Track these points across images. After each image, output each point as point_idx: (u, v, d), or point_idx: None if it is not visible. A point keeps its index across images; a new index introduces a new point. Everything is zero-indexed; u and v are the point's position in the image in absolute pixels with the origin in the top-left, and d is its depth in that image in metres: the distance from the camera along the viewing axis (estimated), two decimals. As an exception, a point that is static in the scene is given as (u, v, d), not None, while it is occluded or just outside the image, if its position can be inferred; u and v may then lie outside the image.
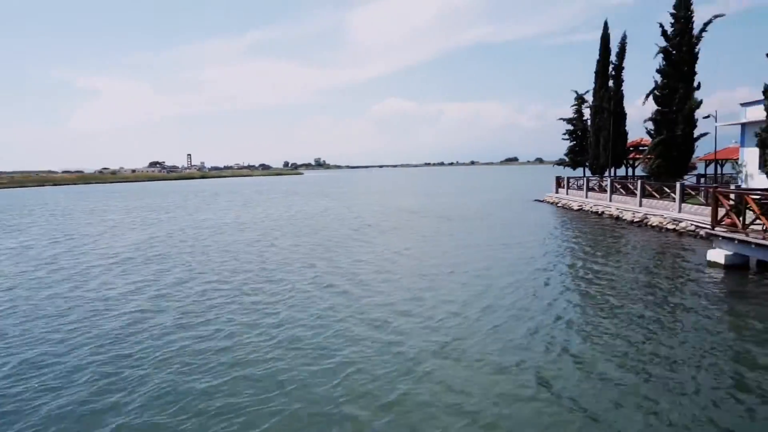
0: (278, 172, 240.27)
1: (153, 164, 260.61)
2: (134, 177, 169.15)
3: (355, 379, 8.02)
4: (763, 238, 13.63)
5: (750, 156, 25.81)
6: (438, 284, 14.21)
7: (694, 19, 29.82)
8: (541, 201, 41.66)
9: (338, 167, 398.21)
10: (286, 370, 8.38)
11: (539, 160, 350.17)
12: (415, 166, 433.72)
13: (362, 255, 19.12)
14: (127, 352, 9.41)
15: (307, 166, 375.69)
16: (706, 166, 40.63)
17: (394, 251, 19.82)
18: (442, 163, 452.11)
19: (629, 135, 38.79)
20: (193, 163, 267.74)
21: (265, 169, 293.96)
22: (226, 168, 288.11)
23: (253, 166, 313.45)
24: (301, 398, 7.42)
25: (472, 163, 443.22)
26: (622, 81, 38.08)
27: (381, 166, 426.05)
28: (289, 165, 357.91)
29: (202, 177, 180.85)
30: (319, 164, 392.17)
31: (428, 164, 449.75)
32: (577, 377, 7.93)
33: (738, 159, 28.63)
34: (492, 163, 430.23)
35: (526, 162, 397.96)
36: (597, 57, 39.58)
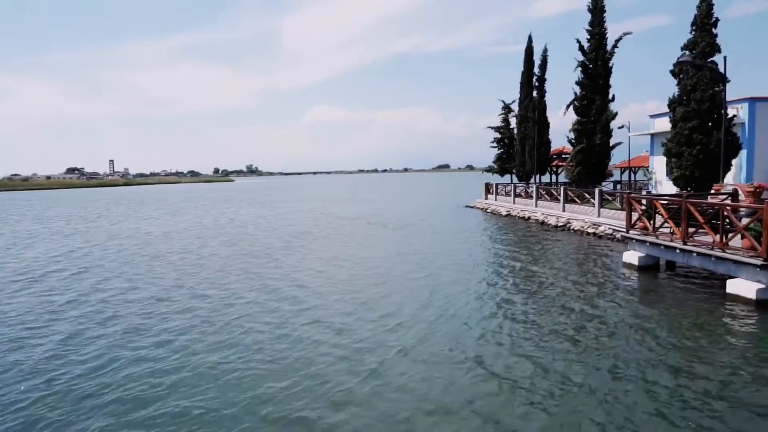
0: (208, 179, 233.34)
1: (71, 170, 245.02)
2: (49, 184, 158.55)
3: (307, 382, 8.06)
4: (671, 240, 14.70)
5: (658, 164, 27.82)
6: (376, 289, 14.32)
7: (607, 35, 31.87)
8: (472, 207, 42.87)
9: (271, 174, 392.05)
10: (236, 376, 8.17)
11: (470, 167, 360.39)
12: (350, 173, 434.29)
13: (301, 262, 18.95)
14: (54, 376, 8.81)
15: (239, 173, 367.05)
16: (621, 173, 43.31)
17: (333, 257, 19.79)
18: (375, 170, 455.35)
19: (552, 143, 40.80)
20: (116, 170, 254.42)
21: (194, 176, 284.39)
22: (153, 175, 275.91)
23: (182, 173, 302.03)
24: (255, 400, 7.27)
25: (406, 170, 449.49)
26: (545, 92, 40.02)
27: (315, 173, 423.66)
28: (220, 172, 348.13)
29: (126, 184, 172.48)
30: (252, 171, 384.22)
31: (362, 171, 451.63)
32: (513, 368, 8.23)
33: (648, 167, 30.81)
34: (424, 170, 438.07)
35: (457, 169, 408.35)
36: (522, 69, 41.41)
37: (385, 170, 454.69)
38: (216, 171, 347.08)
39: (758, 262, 11.58)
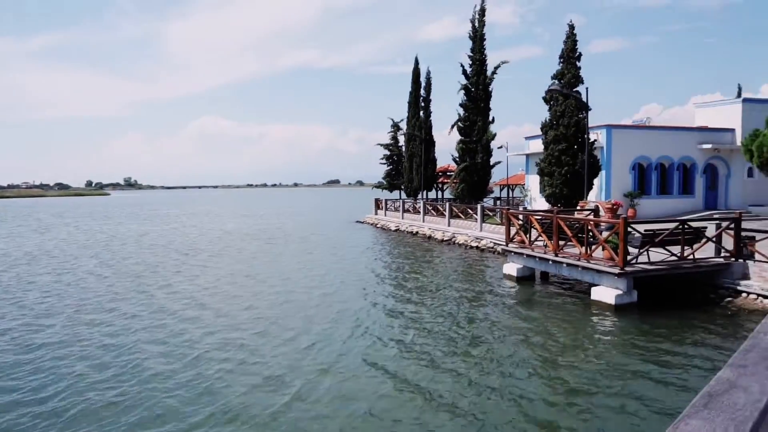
0: (79, 193, 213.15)
1: None
2: None
3: (228, 411, 7.60)
4: (545, 253, 15.97)
5: (533, 182, 30.18)
6: (283, 307, 13.97)
7: (487, 62, 34.17)
8: (362, 222, 43.43)
9: (152, 188, 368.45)
10: (143, 414, 7.45)
11: (360, 183, 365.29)
12: (237, 187, 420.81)
13: (199, 281, 17.98)
14: None
15: (116, 186, 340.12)
16: (501, 190, 46.31)
17: (232, 275, 19.07)
18: (265, 185, 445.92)
19: (438, 161, 42.65)
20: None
21: (63, 188, 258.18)
22: (11, 187, 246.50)
23: (48, 185, 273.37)
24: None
25: (296, 185, 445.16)
26: (431, 112, 41.85)
27: (200, 187, 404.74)
28: (93, 185, 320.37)
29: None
30: (130, 184, 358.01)
31: (251, 185, 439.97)
32: (420, 376, 8.42)
33: (524, 184, 33.30)
34: (315, 185, 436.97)
35: (347, 184, 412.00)
36: (410, 89, 43.01)
37: (274, 185, 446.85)
38: (89, 184, 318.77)
39: (616, 270, 12.94)
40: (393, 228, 36.25)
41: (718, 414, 1.46)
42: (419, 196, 41.15)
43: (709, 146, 27.08)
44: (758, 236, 14.10)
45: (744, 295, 13.14)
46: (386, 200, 42.39)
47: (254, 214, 60.77)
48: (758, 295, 12.83)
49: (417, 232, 32.43)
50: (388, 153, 48.08)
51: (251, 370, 9.33)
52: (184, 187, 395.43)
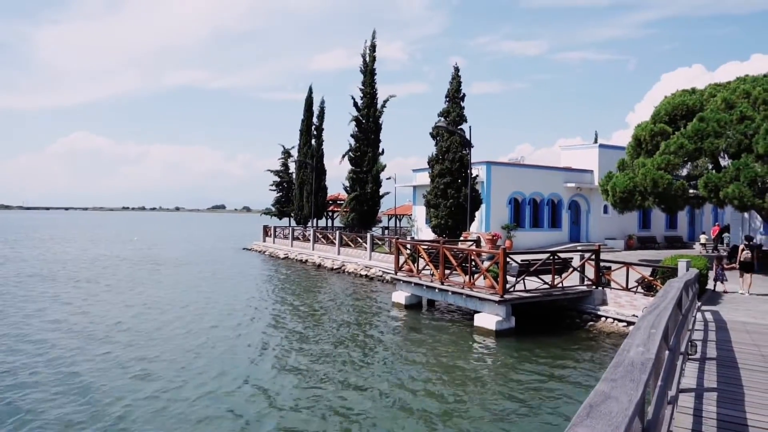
0: None
1: None
2: None
3: None
4: (431, 281, 16.65)
5: (419, 213, 31.45)
6: (179, 341, 12.99)
7: (377, 95, 35.44)
8: (249, 249, 42.22)
9: (7, 208, 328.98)
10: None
11: (247, 209, 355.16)
12: (112, 210, 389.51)
13: (69, 308, 16.15)
14: None
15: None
16: (389, 219, 47.61)
17: (115, 305, 17.36)
18: (143, 208, 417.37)
19: (329, 189, 42.97)
20: None
21: None
22: None
23: None
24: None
25: (177, 209, 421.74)
26: (323, 140, 42.26)
27: (67, 209, 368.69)
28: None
29: None
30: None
31: (127, 208, 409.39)
32: (291, 400, 8.26)
33: (411, 215, 34.55)
34: (198, 210, 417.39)
35: (233, 210, 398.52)
36: (302, 116, 43.15)
37: (154, 208, 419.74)
38: None
39: (496, 298, 13.85)
40: (282, 256, 35.65)
41: (598, 422, 1.73)
42: (309, 224, 41.00)
43: (572, 185, 30.13)
44: (613, 266, 15.90)
45: (603, 319, 14.67)
46: (275, 227, 41.67)
47: (131, 240, 56.50)
48: (614, 318, 14.40)
49: (306, 261, 32.17)
50: (278, 179, 47.53)
51: (139, 403, 8.65)
52: (47, 208, 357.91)
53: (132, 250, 42.19)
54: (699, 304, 13.01)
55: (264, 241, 42.37)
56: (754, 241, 25.89)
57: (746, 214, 25.88)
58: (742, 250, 15.80)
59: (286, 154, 47.68)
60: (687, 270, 12.72)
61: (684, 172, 22.32)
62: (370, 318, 16.44)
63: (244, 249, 42.79)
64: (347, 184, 35.45)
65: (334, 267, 28.55)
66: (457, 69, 24.97)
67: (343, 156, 36.20)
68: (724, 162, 20.67)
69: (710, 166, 21.21)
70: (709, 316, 11.81)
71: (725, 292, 15.46)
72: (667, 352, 4.20)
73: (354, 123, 35.04)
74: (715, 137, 19.39)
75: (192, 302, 18.63)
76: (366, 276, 25.63)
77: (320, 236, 33.83)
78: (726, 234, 29.34)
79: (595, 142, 33.70)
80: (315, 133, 42.25)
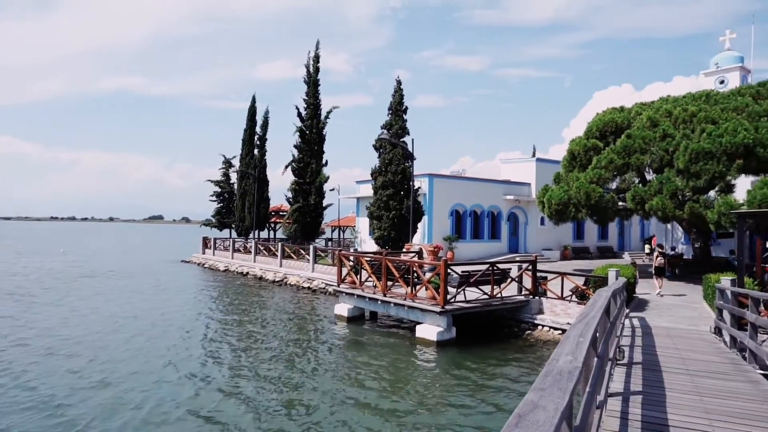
0: None
1: None
2: None
3: None
4: (374, 293, 16.66)
5: (363, 224, 31.50)
6: (81, 353, 12.25)
7: (321, 106, 35.37)
8: (188, 261, 40.87)
9: None
10: None
11: (186, 220, 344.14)
12: (39, 219, 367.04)
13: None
14: None
15: None
16: (333, 231, 47.35)
17: (41, 319, 16.22)
18: (73, 218, 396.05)
19: (272, 200, 42.29)
20: None
21: None
22: None
23: None
24: None
25: (111, 219, 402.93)
26: (266, 150, 41.65)
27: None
28: None
29: None
30: None
31: (56, 218, 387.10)
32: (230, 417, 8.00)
33: (355, 226, 34.55)
34: (134, 221, 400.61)
35: (172, 221, 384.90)
36: (245, 126, 42.40)
37: (85, 218, 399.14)
38: None
39: (437, 309, 14.02)
40: (222, 268, 34.71)
41: (526, 431, 1.77)
42: (251, 236, 40.17)
43: (511, 197, 31.07)
44: (549, 276, 16.48)
45: (540, 327, 15.15)
46: (215, 239, 40.56)
47: (59, 252, 53.35)
48: (549, 327, 14.90)
49: (247, 273, 31.47)
50: (219, 190, 46.36)
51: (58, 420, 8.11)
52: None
53: (63, 262, 39.85)
54: (627, 311, 13.69)
55: (203, 253, 41.13)
56: (676, 250, 27.54)
57: (669, 225, 27.54)
58: (657, 257, 17.82)
59: (228, 164, 46.63)
60: (616, 279, 13.37)
61: (614, 185, 23.53)
62: (312, 331, 16.25)
63: (182, 261, 41.36)
64: (290, 195, 35.06)
65: (276, 279, 28.07)
66: (399, 82, 25.31)
67: (286, 167, 35.81)
68: (649, 176, 21.96)
69: (637, 180, 22.46)
70: (636, 322, 12.44)
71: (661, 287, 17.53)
72: (595, 359, 4.38)
73: (298, 134, 34.77)
74: (641, 153, 20.57)
75: (123, 317, 17.79)
76: (309, 288, 25.34)
77: (262, 248, 33.20)
78: (647, 245, 31.12)
79: (533, 156, 35.01)
80: (258, 143, 41.60)
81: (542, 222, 31.60)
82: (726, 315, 10.36)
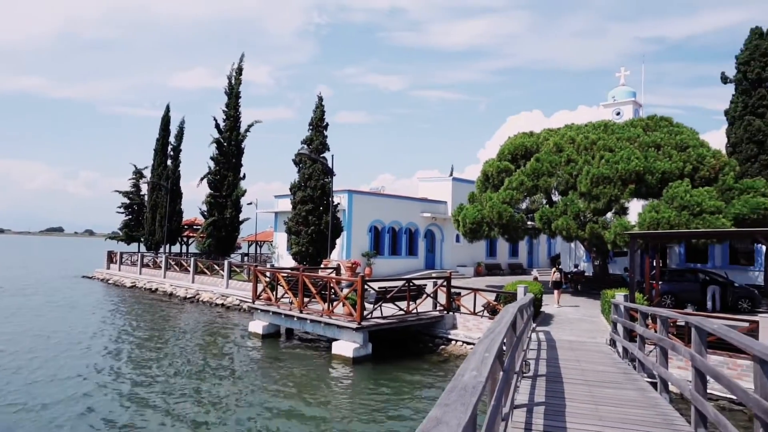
0: None
1: None
2: None
3: None
4: (290, 309, 16.40)
5: (281, 240, 31.00)
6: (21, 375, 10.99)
7: (241, 119, 34.67)
8: (90, 277, 38.16)
9: None
10: None
11: (89, 232, 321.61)
12: None
13: None
14: None
15: None
16: (249, 246, 46.24)
17: None
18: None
19: (185, 213, 40.64)
20: None
21: None
22: None
23: None
24: None
25: (2, 231, 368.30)
26: (180, 162, 40.05)
27: None
28: None
29: None
30: None
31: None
32: None
33: (272, 241, 33.92)
34: (29, 233, 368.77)
35: (73, 233, 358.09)
36: (158, 135, 40.60)
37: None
38: None
39: (354, 325, 14.04)
40: (129, 284, 32.72)
41: (427, 447, 1.83)
42: (161, 250, 38.27)
43: (428, 215, 31.88)
44: (463, 292, 17.03)
45: (453, 342, 15.56)
46: (121, 253, 38.21)
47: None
48: (462, 341, 15.36)
49: (156, 289, 29.89)
50: (127, 201, 43.92)
51: None
52: None
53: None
54: (534, 325, 14.42)
55: (108, 268, 38.54)
56: (578, 267, 29.41)
57: (572, 244, 29.40)
58: (554, 272, 20.17)
59: (139, 174, 44.35)
60: (524, 295, 14.06)
61: (524, 205, 24.82)
62: (225, 349, 15.69)
63: (83, 277, 38.53)
64: (205, 208, 33.87)
65: (188, 296, 26.89)
66: (321, 99, 25.38)
67: (202, 179, 34.60)
68: (556, 198, 23.41)
69: (545, 201, 23.84)
70: (542, 336, 13.12)
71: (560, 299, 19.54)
72: (501, 373, 4.58)
73: (215, 145, 33.80)
74: (549, 176, 21.91)
75: (12, 339, 16.26)
76: (222, 305, 24.49)
77: (173, 263, 31.68)
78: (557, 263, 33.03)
79: (451, 175, 36.17)
80: (172, 153, 39.95)
81: (457, 239, 32.63)
82: (620, 328, 11.20)
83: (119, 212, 43.89)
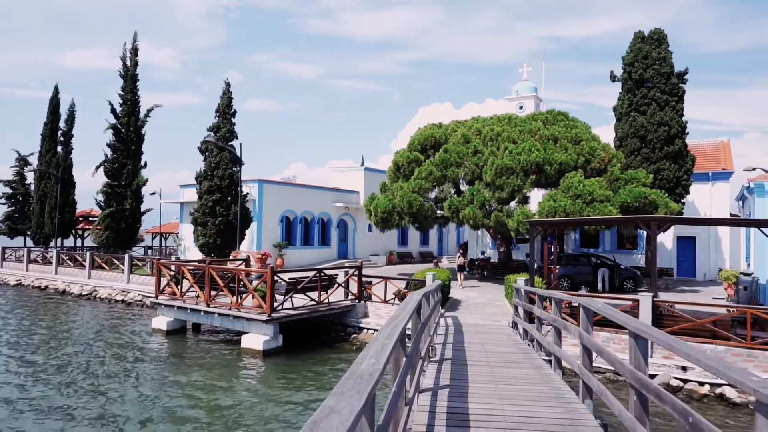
0: None
1: None
2: None
3: None
4: (196, 304, 15.76)
5: (187, 231, 29.66)
6: None
7: (140, 103, 32.61)
8: (-33, 276, 34.39)
9: None
10: None
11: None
12: None
13: None
14: None
15: None
16: (153, 238, 43.84)
17: None
18: None
19: (79, 204, 37.71)
20: None
21: None
22: None
23: None
24: None
25: None
26: (72, 148, 37.04)
27: None
28: None
29: None
30: None
31: None
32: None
33: (178, 233, 32.39)
34: None
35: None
36: (45, 119, 37.24)
37: None
38: None
39: (264, 317, 13.77)
40: (13, 282, 29.89)
41: (318, 436, 1.81)
42: (52, 244, 35.28)
43: (341, 204, 31.86)
44: (374, 281, 17.22)
45: (365, 330, 15.73)
46: (4, 248, 34.75)
47: None
48: (374, 330, 15.56)
49: (47, 287, 27.56)
50: (10, 191, 39.99)
51: None
52: None
53: None
54: (442, 311, 14.90)
55: (-12, 265, 34.94)
56: (485, 254, 30.72)
57: (479, 232, 30.66)
58: (458, 257, 22.11)
59: (23, 161, 40.50)
60: (433, 282, 14.47)
61: (433, 195, 25.48)
62: (127, 347, 14.79)
63: (-42, 275, 34.63)
64: (101, 198, 31.62)
65: (83, 293, 25.05)
66: (228, 84, 24.46)
67: (97, 167, 32.27)
68: (463, 188, 24.24)
69: (453, 191, 24.62)
70: (449, 321, 13.59)
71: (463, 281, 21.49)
72: (404, 358, 4.67)
73: (111, 132, 31.56)
74: (456, 166, 22.62)
75: None
76: (123, 301, 23.06)
77: (66, 258, 29.33)
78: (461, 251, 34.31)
79: (362, 165, 36.34)
80: (62, 139, 36.80)
81: (370, 228, 32.91)
82: (521, 310, 11.84)
83: (1, 204, 39.92)
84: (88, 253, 27.79)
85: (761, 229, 15.14)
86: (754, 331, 11.05)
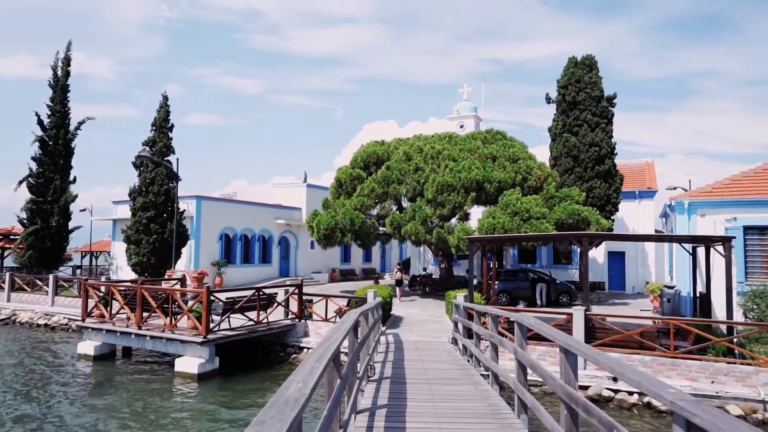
0: None
1: None
2: None
3: None
4: (127, 326, 14.97)
5: (119, 249, 28.29)
6: None
7: (71, 115, 31.07)
8: None
9: None
10: None
11: None
12: None
13: None
14: None
15: None
16: (82, 257, 41.56)
17: None
18: None
19: (-1, 222, 35.27)
20: None
21: None
22: None
23: None
24: None
25: None
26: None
27: None
28: None
29: None
30: None
31: None
32: None
33: (110, 252, 30.86)
34: None
35: None
36: (-39, 131, 34.77)
37: None
38: None
39: (199, 339, 13.24)
40: None
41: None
42: (-33, 264, 32.74)
43: (282, 221, 31.37)
44: (315, 299, 16.98)
45: (305, 350, 15.43)
46: None
47: None
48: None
49: (-41, 311, 25.42)
50: None
51: None
52: None
53: None
54: (383, 328, 14.84)
55: None
56: (426, 270, 31.00)
57: (421, 248, 30.95)
58: (396, 272, 23.50)
59: (-65, 175, 37.57)
60: (374, 299, 14.41)
61: (375, 212, 25.55)
62: (50, 376, 13.81)
63: None
64: (24, 215, 29.72)
65: (1, 317, 23.29)
66: (166, 98, 23.75)
67: (21, 182, 30.33)
68: (405, 204, 24.45)
69: (395, 208, 24.78)
70: (390, 338, 13.54)
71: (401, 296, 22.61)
72: (339, 380, 4.57)
73: (38, 144, 29.83)
74: (398, 183, 22.81)
75: None
76: (46, 325, 21.59)
77: (-18, 279, 27.19)
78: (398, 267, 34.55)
79: (305, 181, 36.00)
80: (-19, 152, 34.46)
81: (312, 246, 32.53)
82: (460, 326, 11.96)
83: None
84: (7, 274, 25.95)
85: (681, 244, 16.08)
86: (676, 341, 11.65)
